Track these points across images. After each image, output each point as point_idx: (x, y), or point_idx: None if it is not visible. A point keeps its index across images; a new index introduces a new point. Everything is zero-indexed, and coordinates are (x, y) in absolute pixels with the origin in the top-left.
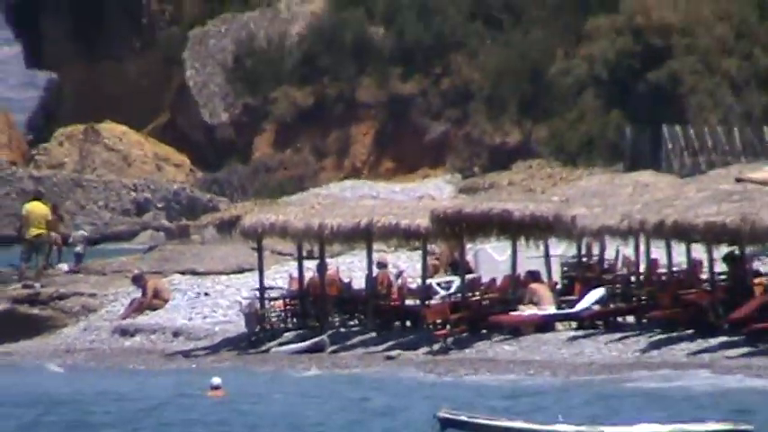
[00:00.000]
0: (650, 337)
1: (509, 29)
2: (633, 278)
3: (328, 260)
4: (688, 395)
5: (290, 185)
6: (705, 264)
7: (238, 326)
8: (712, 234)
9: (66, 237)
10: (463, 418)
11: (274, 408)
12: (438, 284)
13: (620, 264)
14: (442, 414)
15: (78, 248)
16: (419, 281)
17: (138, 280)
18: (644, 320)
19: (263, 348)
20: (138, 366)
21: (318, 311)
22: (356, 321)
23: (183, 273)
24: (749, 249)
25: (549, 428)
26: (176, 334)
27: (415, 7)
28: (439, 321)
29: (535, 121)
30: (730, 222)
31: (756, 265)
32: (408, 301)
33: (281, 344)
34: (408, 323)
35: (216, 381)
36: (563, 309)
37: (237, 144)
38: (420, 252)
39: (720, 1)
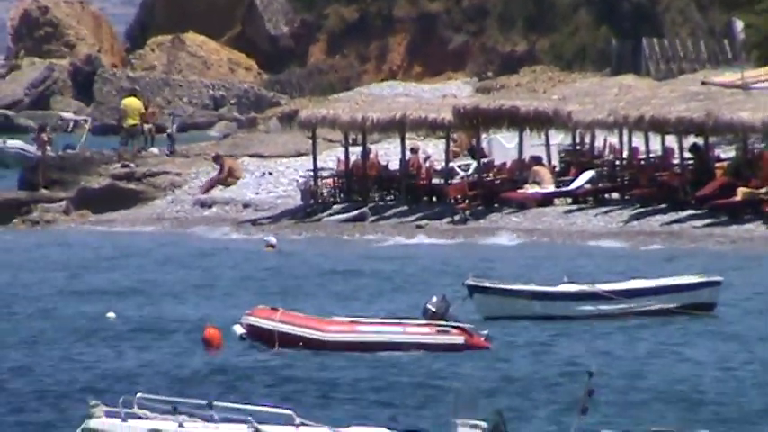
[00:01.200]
0: (631, 210)
1: None
2: (618, 163)
3: (370, 146)
4: (665, 256)
5: (338, 85)
6: (676, 151)
7: (296, 200)
8: (682, 127)
9: (160, 126)
10: (486, 284)
11: (314, 258)
12: (459, 167)
13: (607, 151)
14: (469, 281)
15: (170, 130)
16: (443, 163)
17: (217, 159)
18: (626, 197)
19: (316, 218)
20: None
21: (361, 188)
22: (392, 197)
23: (251, 156)
24: (712, 139)
25: (557, 290)
26: (246, 206)
27: None
28: (459, 197)
29: (539, 34)
30: (697, 117)
31: (718, 152)
32: (434, 180)
33: (330, 215)
34: (434, 198)
35: (272, 239)
36: (560, 187)
37: (296, 51)
38: (444, 140)
39: None
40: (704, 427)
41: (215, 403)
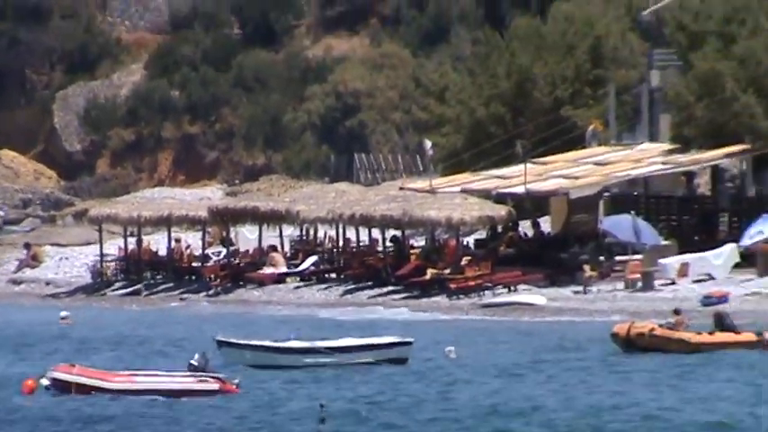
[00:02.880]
0: (346, 287)
1: (258, 92)
2: (335, 250)
3: (143, 237)
4: (369, 323)
5: (119, 190)
6: (380, 241)
7: (86, 278)
8: (384, 222)
9: None
10: (233, 340)
11: (105, 330)
12: (212, 253)
13: (327, 241)
14: (218, 337)
15: None
16: (201, 250)
17: (27, 246)
18: (342, 276)
19: (103, 293)
20: (24, 303)
21: (137, 270)
22: (161, 276)
23: (52, 244)
24: (408, 232)
25: (285, 345)
26: (48, 283)
27: (198, 78)
28: (213, 276)
29: (274, 150)
30: (395, 215)
31: (412, 241)
32: (194, 264)
33: (113, 290)
34: (194, 277)
35: (63, 313)
36: (291, 269)
37: (86, 164)
38: (201, 232)
39: (390, 76)
40: None
41: None
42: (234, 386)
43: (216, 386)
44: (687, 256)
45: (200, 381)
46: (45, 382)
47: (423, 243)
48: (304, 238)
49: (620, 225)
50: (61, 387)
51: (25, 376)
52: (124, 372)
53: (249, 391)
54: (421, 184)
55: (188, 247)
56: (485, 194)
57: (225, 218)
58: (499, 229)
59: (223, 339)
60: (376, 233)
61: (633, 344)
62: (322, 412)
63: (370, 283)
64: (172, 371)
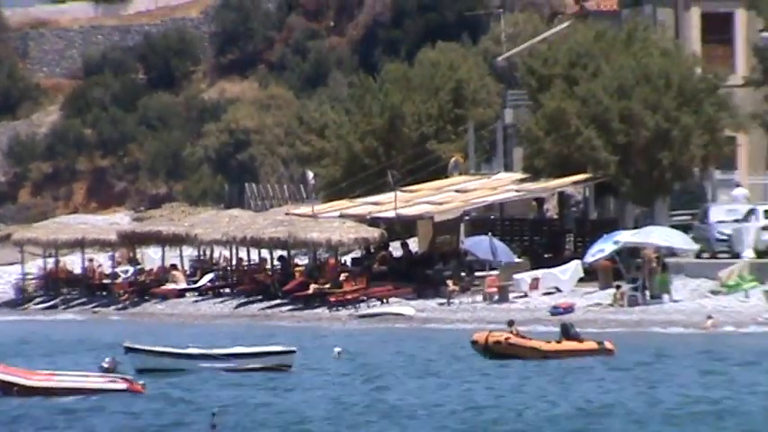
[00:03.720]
0: (239, 300)
1: (160, 129)
2: (229, 268)
3: (61, 258)
4: (262, 332)
5: (39, 217)
6: (269, 260)
7: (11, 294)
8: (272, 243)
9: None
10: (137, 346)
11: (22, 333)
12: (121, 271)
13: (222, 260)
14: (126, 344)
15: None
16: (111, 269)
17: None
18: (235, 291)
19: (25, 307)
20: None
21: (55, 287)
22: (76, 292)
23: None
24: (293, 252)
25: (184, 351)
26: None
27: (108, 117)
28: (122, 291)
29: (175, 181)
30: (282, 237)
31: (296, 260)
32: (105, 281)
33: (35, 304)
34: (105, 293)
35: None
36: (190, 285)
37: (10, 194)
38: (111, 253)
39: (277, 115)
40: None
41: None
42: (140, 386)
43: (124, 386)
44: (538, 272)
45: (111, 381)
46: None
47: (306, 261)
48: (202, 257)
49: (478, 245)
50: None
51: None
52: (44, 371)
53: (152, 392)
54: (304, 209)
55: (99, 266)
56: (360, 219)
57: (132, 240)
58: (372, 249)
59: (130, 345)
60: (265, 253)
61: (491, 350)
62: (213, 419)
63: (260, 297)
64: (85, 372)
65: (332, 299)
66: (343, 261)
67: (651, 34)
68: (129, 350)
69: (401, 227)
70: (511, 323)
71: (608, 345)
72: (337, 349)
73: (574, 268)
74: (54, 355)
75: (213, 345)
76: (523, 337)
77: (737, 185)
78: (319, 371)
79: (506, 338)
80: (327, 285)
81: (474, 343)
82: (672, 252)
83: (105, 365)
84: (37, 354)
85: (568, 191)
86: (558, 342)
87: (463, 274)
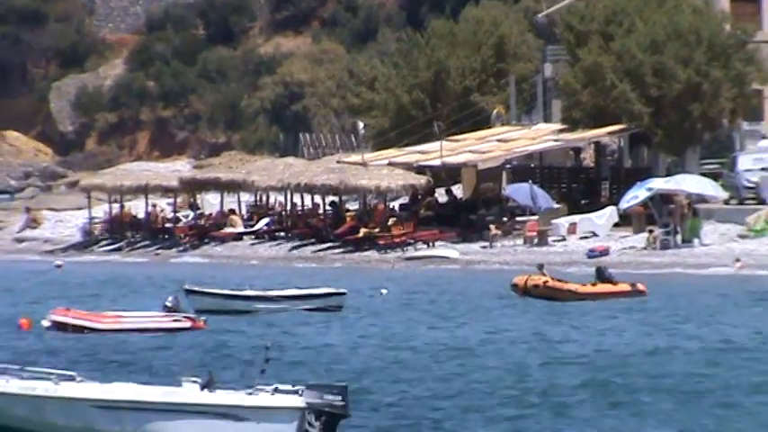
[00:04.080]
0: (293, 243)
1: (219, 82)
2: (284, 213)
3: (125, 203)
4: (313, 273)
5: (105, 164)
6: (321, 205)
7: (78, 237)
8: (325, 189)
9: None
10: (197, 288)
11: (90, 274)
12: (182, 216)
13: (277, 205)
14: (186, 286)
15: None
16: (172, 214)
17: (27, 210)
18: (289, 235)
19: (91, 249)
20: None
21: (120, 230)
22: (140, 235)
23: (49, 209)
24: (344, 198)
25: (243, 293)
26: (46, 241)
27: (169, 70)
28: (183, 235)
29: (233, 131)
30: (334, 183)
31: (347, 205)
32: (167, 225)
33: (100, 247)
34: (167, 236)
35: (58, 262)
36: (247, 229)
37: (77, 142)
38: (173, 198)
39: (329, 69)
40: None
41: (26, 368)
42: (202, 323)
43: (188, 324)
44: (575, 217)
45: (175, 320)
46: (45, 323)
47: (356, 207)
48: (258, 203)
49: (519, 191)
50: (60, 327)
51: (22, 315)
52: (111, 313)
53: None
54: (355, 158)
55: (162, 211)
56: (408, 167)
57: (192, 186)
58: (419, 195)
59: (190, 288)
60: (318, 199)
61: (530, 293)
62: (267, 353)
63: (313, 241)
64: (150, 312)
65: (381, 242)
66: (391, 207)
67: None
68: (189, 292)
69: (446, 174)
70: (541, 266)
71: (640, 286)
72: (384, 291)
73: (609, 214)
74: (125, 295)
75: (269, 287)
76: (560, 281)
77: (764, 137)
78: (367, 312)
79: (545, 282)
80: (377, 229)
81: (514, 286)
82: (702, 198)
83: (169, 304)
84: (108, 295)
85: (604, 141)
86: (594, 284)
87: (505, 219)
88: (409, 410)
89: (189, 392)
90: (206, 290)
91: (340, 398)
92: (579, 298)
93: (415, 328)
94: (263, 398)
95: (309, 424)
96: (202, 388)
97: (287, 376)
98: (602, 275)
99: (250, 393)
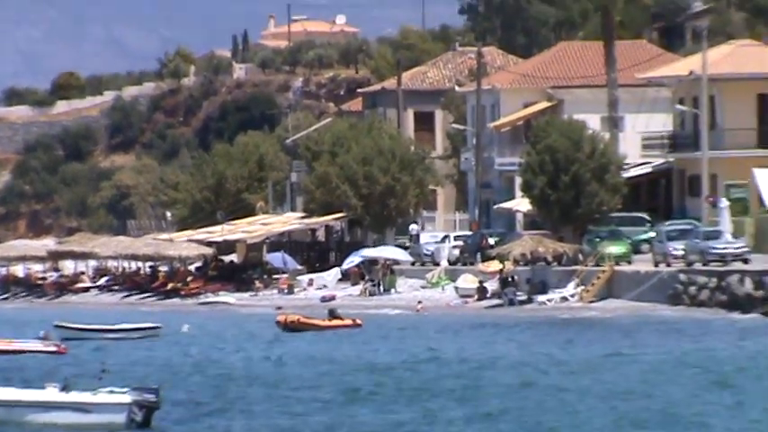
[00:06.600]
0: (124, 294)
1: (74, 186)
2: (118, 273)
3: (11, 267)
4: (148, 312)
5: None
6: (143, 268)
7: None
8: (145, 257)
9: None
10: (64, 324)
11: None
12: (49, 275)
13: (113, 268)
14: (56, 323)
15: None
16: (42, 274)
17: None
18: (122, 288)
19: None
20: None
21: (6, 286)
22: (20, 289)
23: None
24: (158, 262)
25: (90, 327)
26: None
27: (40, 178)
28: (50, 289)
29: (83, 218)
30: (151, 253)
31: (161, 268)
32: (39, 281)
33: None
34: (38, 289)
35: None
36: (93, 284)
37: None
38: (42, 264)
39: (148, 177)
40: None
41: None
42: (64, 348)
43: (55, 348)
44: (312, 275)
45: (47, 345)
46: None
47: (166, 269)
48: (100, 267)
49: (275, 257)
50: None
51: None
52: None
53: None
54: (165, 236)
55: (35, 272)
56: (200, 242)
57: (56, 256)
58: (208, 260)
59: (58, 323)
60: (140, 264)
61: (289, 326)
62: (102, 373)
63: (137, 292)
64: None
65: (182, 293)
66: (190, 268)
67: (383, 125)
68: (57, 326)
69: (226, 246)
70: (332, 312)
71: (358, 321)
72: (186, 327)
73: (335, 273)
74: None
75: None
76: (308, 317)
77: (414, 223)
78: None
79: (298, 319)
80: (180, 284)
81: (278, 323)
82: (396, 262)
83: (42, 335)
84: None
85: (331, 224)
86: (330, 320)
87: (265, 276)
88: (188, 406)
89: (51, 393)
90: (69, 325)
91: (154, 396)
92: (321, 329)
93: (209, 352)
94: (103, 396)
95: (134, 413)
96: (61, 390)
97: (119, 382)
98: (333, 314)
99: (94, 393)
